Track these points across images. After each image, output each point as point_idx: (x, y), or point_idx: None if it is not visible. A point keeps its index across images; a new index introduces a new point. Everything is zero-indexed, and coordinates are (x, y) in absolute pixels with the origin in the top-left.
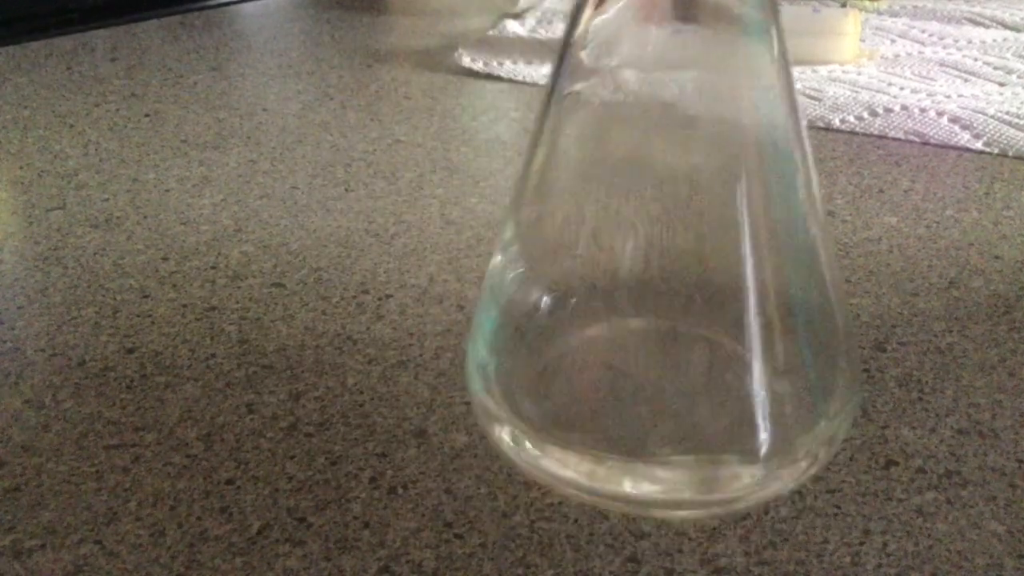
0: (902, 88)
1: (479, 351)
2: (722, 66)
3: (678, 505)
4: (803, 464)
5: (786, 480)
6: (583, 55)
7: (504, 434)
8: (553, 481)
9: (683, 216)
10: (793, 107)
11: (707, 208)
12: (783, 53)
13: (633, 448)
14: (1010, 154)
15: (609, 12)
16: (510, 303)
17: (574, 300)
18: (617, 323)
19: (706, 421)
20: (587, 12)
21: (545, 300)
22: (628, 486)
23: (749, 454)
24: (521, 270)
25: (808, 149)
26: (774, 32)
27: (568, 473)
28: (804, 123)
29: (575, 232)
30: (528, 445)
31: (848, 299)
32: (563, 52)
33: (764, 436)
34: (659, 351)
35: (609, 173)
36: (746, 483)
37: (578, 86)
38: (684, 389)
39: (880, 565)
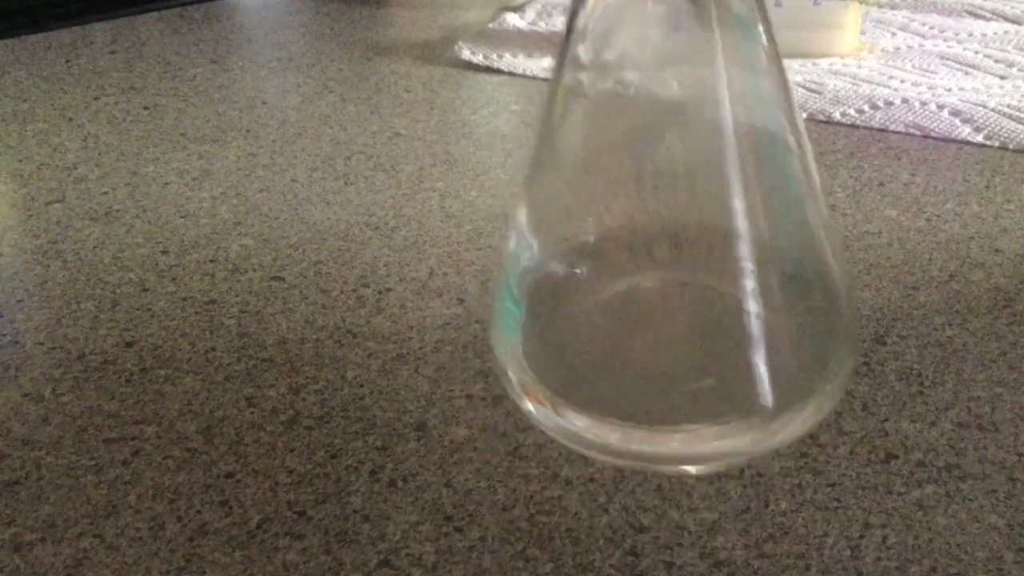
0: (903, 81)
1: (505, 317)
2: (713, 60)
3: (693, 460)
4: (809, 412)
5: (791, 430)
6: (581, 49)
7: (529, 402)
8: (572, 443)
9: (683, 182)
10: (787, 95)
11: (704, 178)
12: (772, 44)
13: (647, 410)
14: (1011, 147)
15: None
16: (525, 275)
17: (586, 266)
18: (630, 283)
19: (717, 376)
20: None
21: (559, 268)
22: (645, 446)
23: (758, 407)
24: (535, 244)
25: (804, 135)
26: (761, 26)
27: (586, 436)
28: (800, 113)
29: (584, 205)
30: (551, 410)
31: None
32: (565, 42)
33: (769, 387)
34: (672, 308)
35: (609, 159)
36: (755, 436)
37: (580, 76)
38: (691, 345)
39: (879, 558)
